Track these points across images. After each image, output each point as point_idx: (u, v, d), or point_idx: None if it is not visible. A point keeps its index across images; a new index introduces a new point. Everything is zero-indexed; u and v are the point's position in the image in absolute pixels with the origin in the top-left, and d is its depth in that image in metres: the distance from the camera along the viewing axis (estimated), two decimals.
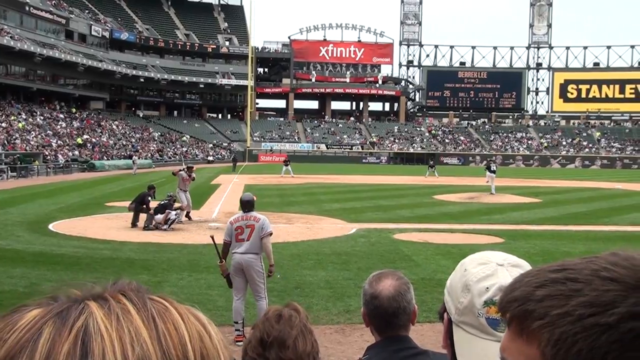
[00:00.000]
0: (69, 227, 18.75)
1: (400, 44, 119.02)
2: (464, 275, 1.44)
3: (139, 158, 63.23)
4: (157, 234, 17.80)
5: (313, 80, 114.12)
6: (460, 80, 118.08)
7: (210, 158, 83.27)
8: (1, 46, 64.31)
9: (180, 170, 20.14)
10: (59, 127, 68.95)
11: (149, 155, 73.72)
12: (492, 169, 36.42)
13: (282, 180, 45.77)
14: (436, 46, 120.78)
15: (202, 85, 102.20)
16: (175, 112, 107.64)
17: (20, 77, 73.35)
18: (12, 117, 62.27)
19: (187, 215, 19.82)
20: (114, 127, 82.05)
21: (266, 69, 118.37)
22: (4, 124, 58.27)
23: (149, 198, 19.15)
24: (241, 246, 8.54)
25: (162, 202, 18.94)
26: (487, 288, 1.40)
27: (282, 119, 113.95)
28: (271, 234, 8.84)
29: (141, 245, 15.68)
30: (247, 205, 8.79)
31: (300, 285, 11.21)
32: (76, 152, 60.28)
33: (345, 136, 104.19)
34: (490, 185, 35.23)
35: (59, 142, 61.84)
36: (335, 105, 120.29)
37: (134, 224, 18.79)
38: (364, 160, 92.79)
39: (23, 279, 11.25)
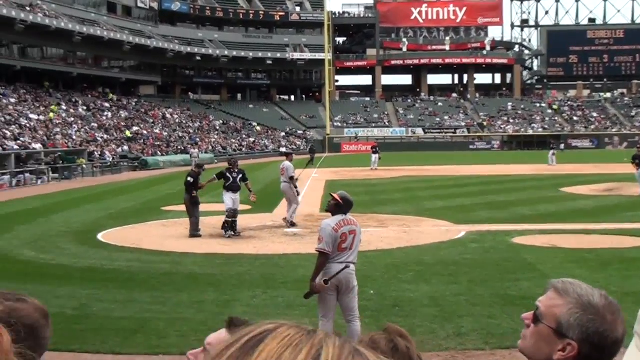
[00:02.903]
0: (121, 236, 19.35)
1: None
2: None
3: (199, 152, 64.59)
4: (224, 242, 18.11)
5: (404, 49, 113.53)
6: (590, 42, 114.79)
7: (283, 149, 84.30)
8: (35, 25, 66.73)
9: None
10: (104, 118, 71.29)
11: (210, 148, 75.20)
12: None
13: (371, 173, 45.77)
14: (557, 0, 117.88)
15: (269, 62, 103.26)
16: (239, 95, 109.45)
17: (58, 61, 76.13)
18: (52, 108, 64.72)
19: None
20: (168, 115, 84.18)
21: (346, 39, 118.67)
22: (42, 117, 60.62)
23: (189, 179, 19.46)
24: (343, 256, 8.58)
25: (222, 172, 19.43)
26: None
27: (368, 98, 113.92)
28: (361, 241, 8.97)
29: (206, 257, 15.99)
30: (348, 207, 8.82)
31: (399, 303, 11.18)
32: (125, 148, 62.17)
33: (446, 117, 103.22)
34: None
35: (105, 136, 63.93)
36: (433, 79, 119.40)
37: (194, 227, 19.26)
38: (471, 147, 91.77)
39: (72, 299, 11.67)
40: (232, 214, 19.02)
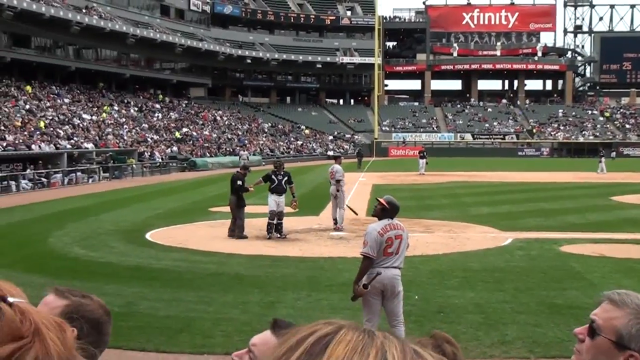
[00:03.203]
0: (168, 236, 19.56)
1: (565, 4, 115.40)
2: None
3: (249, 154, 64.93)
4: (270, 244, 18.20)
5: (455, 54, 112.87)
6: None
7: (331, 153, 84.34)
8: (90, 27, 67.90)
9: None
10: (155, 119, 72.18)
11: (258, 150, 75.63)
12: None
13: (418, 178, 45.60)
14: (612, 6, 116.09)
15: (319, 65, 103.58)
16: (288, 99, 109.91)
17: (112, 62, 77.35)
18: (105, 108, 65.74)
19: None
20: (218, 117, 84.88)
21: (396, 43, 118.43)
22: (94, 117, 61.61)
23: (239, 182, 19.53)
24: (389, 261, 8.55)
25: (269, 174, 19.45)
26: None
27: (416, 103, 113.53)
28: (408, 245, 8.98)
29: (251, 258, 16.08)
30: (394, 211, 8.80)
31: (444, 309, 11.12)
32: (174, 149, 62.82)
33: (495, 123, 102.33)
34: None
35: (155, 136, 64.71)
36: (483, 84, 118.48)
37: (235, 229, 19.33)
38: (520, 153, 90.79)
39: (118, 297, 11.83)
40: (274, 216, 19.10)
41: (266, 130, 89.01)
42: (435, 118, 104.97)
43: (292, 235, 19.64)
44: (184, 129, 72.34)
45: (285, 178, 19.42)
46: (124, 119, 65.90)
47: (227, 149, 70.96)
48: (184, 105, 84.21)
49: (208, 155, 65.20)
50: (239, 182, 19.41)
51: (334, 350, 0.93)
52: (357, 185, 37.71)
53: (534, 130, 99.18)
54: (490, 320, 10.49)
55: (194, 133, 72.57)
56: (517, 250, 16.97)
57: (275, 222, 19.17)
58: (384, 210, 8.73)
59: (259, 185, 19.84)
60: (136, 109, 72.67)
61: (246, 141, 77.25)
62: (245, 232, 19.34)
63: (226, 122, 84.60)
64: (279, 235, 19.10)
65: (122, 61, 78.60)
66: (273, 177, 19.30)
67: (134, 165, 51.66)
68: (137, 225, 21.88)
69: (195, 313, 10.92)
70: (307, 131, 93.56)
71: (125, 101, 73.88)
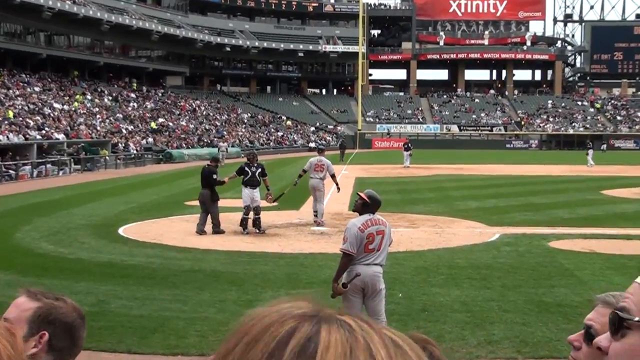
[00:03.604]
0: (142, 231, 19.43)
1: None
2: None
3: (228, 145, 64.66)
4: (248, 240, 18.11)
5: (441, 43, 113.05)
6: (637, 38, 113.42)
7: (313, 144, 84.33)
8: (62, 12, 67.35)
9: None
10: (129, 108, 71.83)
11: (237, 141, 75.45)
12: None
13: (403, 171, 45.62)
14: None
15: (301, 54, 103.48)
16: (269, 88, 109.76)
17: (85, 49, 76.88)
18: (77, 97, 65.28)
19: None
20: (195, 107, 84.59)
21: (381, 31, 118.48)
22: (66, 107, 61.16)
23: (215, 175, 19.39)
24: (370, 257, 8.50)
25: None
26: None
27: (401, 93, 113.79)
28: (391, 242, 8.94)
29: (229, 254, 16.00)
30: (376, 206, 8.74)
31: (428, 308, 11.09)
32: (150, 140, 62.52)
33: (483, 114, 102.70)
34: None
35: (129, 127, 64.38)
36: (470, 74, 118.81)
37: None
38: (507, 145, 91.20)
39: (89, 295, 11.70)
40: (249, 211, 19.01)
41: (245, 120, 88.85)
42: (420, 109, 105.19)
43: (271, 230, 19.57)
44: (160, 120, 72.05)
45: (259, 170, 19.25)
46: (97, 109, 65.49)
47: (205, 141, 70.73)
48: (160, 94, 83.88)
49: (185, 146, 64.98)
50: (215, 176, 19.27)
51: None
52: (340, 178, 37.58)
53: (523, 122, 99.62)
54: (476, 319, 10.46)
55: (171, 124, 72.30)
56: (504, 246, 16.99)
57: (252, 217, 19.06)
58: (364, 205, 8.67)
59: (233, 179, 19.71)
60: (110, 98, 72.25)
61: (225, 132, 77.07)
62: (221, 226, 19.24)
63: (204, 113, 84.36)
64: (257, 231, 19.01)
65: (95, 48, 78.11)
66: (246, 169, 19.16)
67: (107, 157, 51.33)
68: (109, 220, 21.71)
69: (169, 312, 10.82)
70: (288, 122, 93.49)
71: (99, 90, 73.43)
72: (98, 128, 58.56)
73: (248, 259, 15.41)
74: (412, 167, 48.29)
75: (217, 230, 19.03)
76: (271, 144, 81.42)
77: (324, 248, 16.48)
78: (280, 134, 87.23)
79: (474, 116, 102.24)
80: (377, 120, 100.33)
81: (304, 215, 22.55)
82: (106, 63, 78.44)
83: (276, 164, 50.30)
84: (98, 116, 62.70)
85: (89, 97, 68.62)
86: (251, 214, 19.12)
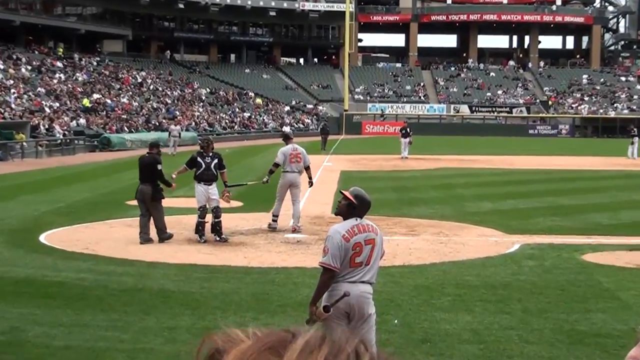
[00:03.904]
0: (71, 239, 19.26)
1: None
2: None
3: (182, 129, 64.30)
4: (206, 250, 18.03)
5: (448, 1, 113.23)
6: None
7: (287, 129, 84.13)
8: None
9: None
10: (55, 81, 71.41)
11: (193, 124, 75.24)
12: None
13: (400, 163, 45.64)
14: None
15: (273, 13, 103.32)
16: (233, 56, 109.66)
17: None
18: None
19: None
20: (140, 80, 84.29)
21: None
22: None
23: (160, 166, 19.20)
24: (357, 274, 8.44)
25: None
26: None
27: (399, 64, 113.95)
28: (384, 253, 8.91)
29: (181, 268, 15.90)
30: (364, 208, 8.68)
31: (431, 338, 11.09)
32: (82, 121, 62.12)
33: (500, 92, 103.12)
34: None
35: (55, 104, 63.98)
36: (484, 41, 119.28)
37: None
38: (531, 131, 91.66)
39: (0, 320, 11.61)
40: (204, 213, 18.88)
41: (204, 98, 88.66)
42: (422, 84, 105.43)
43: (235, 238, 19.51)
44: (95, 96, 71.65)
45: (215, 161, 19.10)
46: (11, 81, 64.96)
47: (153, 123, 70.46)
48: (95, 63, 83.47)
49: (127, 130, 64.67)
50: (160, 166, 19.09)
51: None
52: (321, 172, 37.63)
53: (550, 102, 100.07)
54: (491, 351, 10.48)
55: (109, 101, 71.92)
56: (527, 259, 17.01)
57: (212, 221, 18.95)
58: (350, 207, 8.60)
59: (183, 173, 19.59)
60: (29, 67, 71.76)
61: (177, 112, 76.82)
62: (169, 232, 19.09)
63: (151, 87, 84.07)
64: (217, 238, 18.92)
65: (9, 3, 77.46)
66: (199, 160, 18.97)
67: (24, 143, 50.90)
68: (27, 224, 21.54)
69: (104, 342, 10.75)
70: (257, 100, 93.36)
71: (14, 57, 72.87)
72: (13, 106, 58.09)
73: (206, 274, 15.34)
74: (412, 158, 48.30)
75: (163, 236, 18.88)
76: (236, 127, 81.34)
77: (302, 261, 16.46)
78: (247, 114, 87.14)
79: (488, 94, 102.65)
80: (369, 98, 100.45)
81: (278, 218, 22.43)
82: (24, 23, 77.75)
83: (242, 153, 50.26)
84: (13, 91, 62.19)
85: (0, 66, 68.07)
86: (209, 217, 19.04)
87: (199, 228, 19.02)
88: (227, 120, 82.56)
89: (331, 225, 9.18)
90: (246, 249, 18.37)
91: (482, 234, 20.72)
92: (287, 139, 21.88)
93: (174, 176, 19.41)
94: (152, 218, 18.99)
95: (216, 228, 19.02)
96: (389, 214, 22.68)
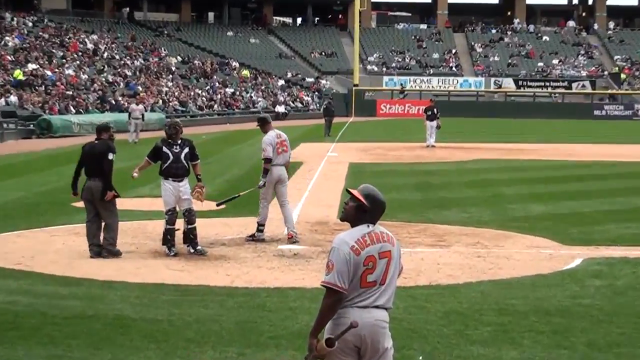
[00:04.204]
0: (0, 251, 19.22)
1: None
2: None
3: (146, 109, 64.04)
4: (176, 265, 17.99)
5: None
6: None
7: (282, 109, 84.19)
8: None
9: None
10: None
11: (160, 102, 75.07)
12: None
13: (425, 153, 45.62)
14: None
15: None
16: (211, 16, 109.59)
17: None
18: None
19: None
20: (90, 46, 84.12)
21: None
22: None
23: (111, 155, 19.04)
24: (369, 296, 8.39)
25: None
26: None
27: (424, 26, 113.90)
28: (402, 269, 8.78)
29: (144, 289, 15.83)
30: (377, 211, 8.61)
31: None
32: (13, 99, 62.06)
33: (556, 61, 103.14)
34: None
35: None
36: None
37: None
38: (597, 112, 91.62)
39: None
40: (173, 218, 18.79)
41: (174, 68, 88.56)
42: (454, 51, 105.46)
43: (214, 250, 19.45)
44: (31, 66, 71.65)
45: (186, 150, 19.01)
46: None
47: (109, 102, 70.34)
48: (30, 24, 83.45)
49: (73, 110, 64.56)
50: (112, 155, 18.90)
51: None
52: (324, 166, 37.64)
53: (623, 75, 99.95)
54: None
55: (48, 72, 71.96)
56: (591, 278, 16.92)
57: (184, 228, 18.92)
58: (360, 210, 8.52)
59: (146, 169, 19.52)
60: None
61: (139, 88, 76.74)
62: (118, 245, 18.96)
63: (105, 55, 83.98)
64: (192, 250, 18.89)
65: None
66: (165, 150, 18.82)
67: None
68: None
69: None
70: (243, 72, 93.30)
71: None
72: None
73: (176, 297, 15.29)
74: (440, 146, 48.29)
75: (110, 250, 18.70)
76: (215, 107, 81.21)
77: (299, 280, 16.46)
78: (229, 90, 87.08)
79: (540, 64, 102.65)
80: (385, 69, 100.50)
81: (268, 224, 22.37)
82: None
83: (223, 140, 50.23)
84: None
85: None
86: (180, 223, 19.03)
87: (168, 237, 18.92)
88: (204, 98, 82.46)
89: (337, 234, 9.13)
90: (229, 264, 18.31)
91: (532, 244, 20.61)
92: (265, 124, 21.52)
93: (135, 175, 19.27)
94: (103, 225, 18.86)
95: (190, 237, 18.97)
96: (410, 219, 22.64)
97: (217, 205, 19.91)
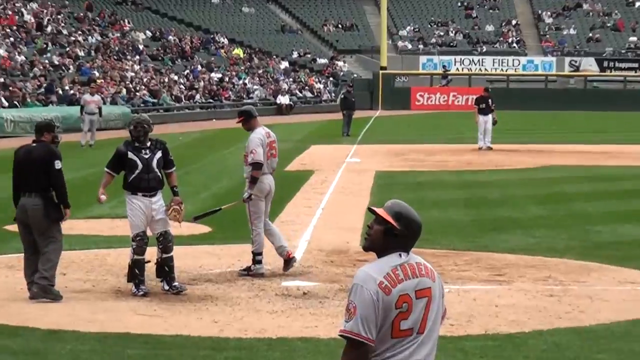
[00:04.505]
0: None
1: None
2: None
3: (104, 101, 64.27)
4: (145, 308, 18.02)
5: None
6: None
7: (285, 100, 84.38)
8: None
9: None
10: None
11: (124, 92, 75.32)
12: None
13: (477, 158, 45.69)
14: None
15: None
16: None
17: None
18: None
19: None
20: (28, 17, 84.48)
21: None
22: None
23: (58, 164, 19.02)
24: (404, 349, 8.35)
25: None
26: None
27: None
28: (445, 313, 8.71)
29: (103, 341, 15.90)
30: (412, 235, 8.55)
31: None
32: None
33: None
34: None
35: None
36: None
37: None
38: None
39: None
40: (143, 247, 18.77)
41: (142, 47, 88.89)
42: (515, 22, 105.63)
43: (197, 288, 19.54)
44: None
45: (158, 155, 19.01)
46: None
47: (55, 91, 70.65)
48: None
49: (5, 103, 64.87)
50: (58, 163, 18.87)
51: None
52: (342, 175, 37.72)
53: None
54: None
55: None
56: None
57: (157, 258, 18.93)
58: (389, 235, 8.45)
59: (109, 184, 19.48)
60: None
61: (96, 73, 77.07)
62: (67, 282, 18.97)
63: (49, 29, 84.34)
64: (167, 288, 18.92)
65: None
66: (131, 156, 18.83)
67: None
68: None
69: None
70: (235, 51, 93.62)
71: None
72: None
73: (146, 351, 15.35)
74: (497, 148, 48.41)
75: (44, 288, 18.60)
76: (198, 97, 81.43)
77: (310, 328, 16.46)
78: (217, 76, 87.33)
79: (632, 39, 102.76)
80: (421, 47, 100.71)
81: (266, 251, 22.38)
82: None
83: (207, 141, 50.45)
84: None
85: None
86: (152, 252, 19.02)
87: (135, 271, 18.91)
88: (182, 86, 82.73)
89: (359, 267, 9.09)
90: (217, 306, 18.36)
91: (626, 279, 20.67)
92: (250, 118, 21.63)
93: (102, 198, 19.21)
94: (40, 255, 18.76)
95: (165, 270, 18.99)
96: (458, 246, 22.63)
97: (194, 219, 19.85)
